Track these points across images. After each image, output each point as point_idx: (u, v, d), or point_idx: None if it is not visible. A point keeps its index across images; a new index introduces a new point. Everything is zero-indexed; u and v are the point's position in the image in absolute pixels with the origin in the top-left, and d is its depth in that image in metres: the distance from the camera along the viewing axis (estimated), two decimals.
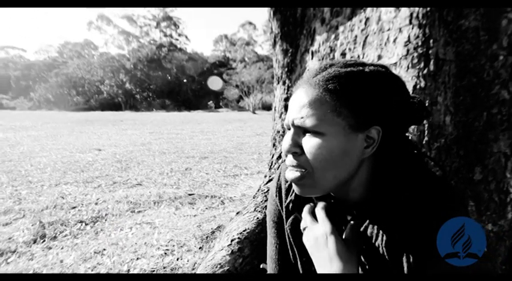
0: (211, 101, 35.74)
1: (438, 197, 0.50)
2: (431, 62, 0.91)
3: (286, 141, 0.53)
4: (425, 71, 0.92)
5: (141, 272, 1.52)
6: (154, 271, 1.53)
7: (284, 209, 0.66)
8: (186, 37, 46.05)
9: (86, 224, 2.20)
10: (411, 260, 0.48)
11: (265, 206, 1.45)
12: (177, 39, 43.45)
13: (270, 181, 1.56)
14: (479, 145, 0.90)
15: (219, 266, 1.24)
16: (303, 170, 0.52)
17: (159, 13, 41.42)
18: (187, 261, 1.63)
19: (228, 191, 3.08)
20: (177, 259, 1.66)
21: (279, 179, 0.70)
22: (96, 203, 2.64)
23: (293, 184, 0.56)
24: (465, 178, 0.90)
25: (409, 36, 0.95)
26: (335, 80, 0.50)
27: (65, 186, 3.21)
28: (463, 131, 0.90)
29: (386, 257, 0.51)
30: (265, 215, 1.42)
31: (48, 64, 40.66)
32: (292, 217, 0.64)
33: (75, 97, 36.19)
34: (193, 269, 1.55)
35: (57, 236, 2.00)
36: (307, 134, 0.51)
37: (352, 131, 0.50)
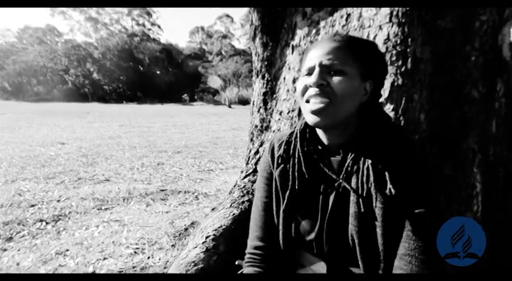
0: (185, 94, 34.88)
1: (403, 137, 0.69)
2: (409, 60, 0.92)
3: (315, 76, 0.66)
4: (403, 69, 0.93)
5: (108, 273, 1.44)
6: (122, 271, 1.45)
7: (275, 162, 0.79)
8: (159, 27, 44.46)
9: (47, 223, 2.04)
10: (392, 175, 0.62)
11: (242, 201, 1.43)
12: (149, 29, 41.81)
13: (246, 176, 1.53)
14: (450, 142, 0.94)
15: (192, 264, 1.19)
16: (327, 99, 0.65)
17: None
18: (159, 259, 1.56)
19: (203, 186, 3.01)
20: (148, 258, 1.58)
21: (272, 141, 0.83)
22: (58, 201, 2.46)
23: (311, 116, 0.67)
24: (437, 174, 0.93)
25: (388, 34, 0.96)
26: (352, 39, 0.70)
27: (23, 182, 2.97)
28: (436, 128, 0.93)
29: (372, 176, 0.64)
30: (241, 211, 1.39)
31: (6, 50, 37.35)
32: (281, 166, 0.77)
33: (36, 87, 33.68)
34: (165, 267, 1.49)
35: (13, 237, 1.83)
36: (333, 73, 0.66)
37: (360, 79, 0.67)
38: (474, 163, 0.94)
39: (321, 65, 0.66)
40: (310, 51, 0.71)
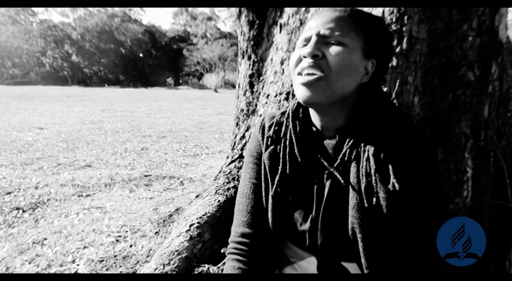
0: (170, 78, 33.93)
1: (406, 122, 0.63)
2: (405, 40, 0.88)
3: (310, 46, 0.59)
4: (398, 49, 0.88)
5: (88, 262, 1.38)
6: (103, 260, 1.40)
7: (264, 143, 0.72)
8: (140, 7, 42.51)
9: (24, 211, 1.95)
10: (396, 167, 0.57)
11: (227, 188, 1.38)
12: (130, 9, 39.92)
13: (232, 162, 1.48)
14: (442, 126, 0.91)
15: (176, 253, 1.15)
16: (320, 73, 0.58)
17: None
18: (142, 248, 1.51)
19: (188, 171, 2.95)
20: (130, 246, 1.53)
21: (263, 119, 0.77)
22: (36, 188, 2.35)
23: (302, 89, 0.61)
24: None
25: (383, 12, 0.90)
26: (357, 10, 0.62)
27: None
28: (429, 112, 0.90)
29: (374, 167, 0.58)
30: (227, 198, 1.35)
31: None
32: (271, 148, 0.70)
33: (11, 69, 31.90)
34: (148, 256, 1.44)
35: None
36: (331, 44, 0.59)
37: (362, 56, 0.60)
38: (466, 148, 0.92)
39: (318, 34, 0.59)
40: (309, 21, 0.63)
